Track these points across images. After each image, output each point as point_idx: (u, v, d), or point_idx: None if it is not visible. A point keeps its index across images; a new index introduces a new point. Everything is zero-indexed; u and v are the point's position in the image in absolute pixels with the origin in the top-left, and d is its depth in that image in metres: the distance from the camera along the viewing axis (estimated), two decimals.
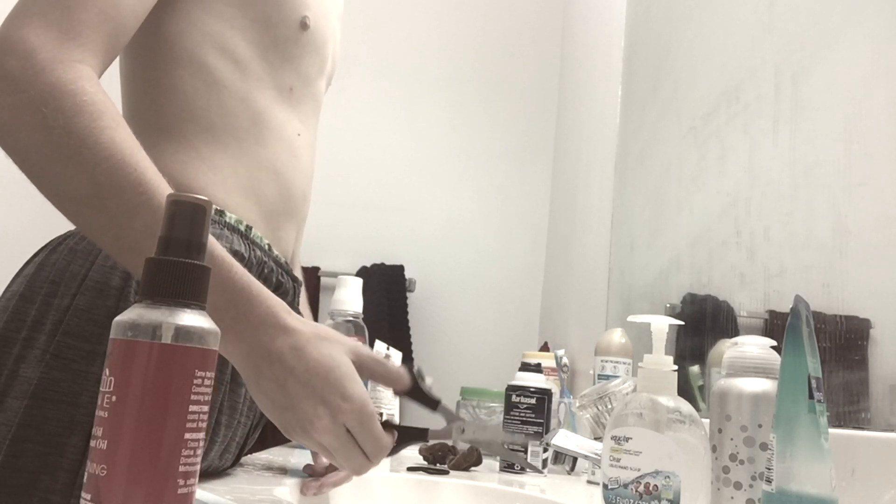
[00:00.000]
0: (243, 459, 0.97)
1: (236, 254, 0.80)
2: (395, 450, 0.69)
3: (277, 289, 0.88)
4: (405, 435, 0.70)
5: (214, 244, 0.64)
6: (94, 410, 0.70)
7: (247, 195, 0.84)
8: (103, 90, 0.64)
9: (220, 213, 0.80)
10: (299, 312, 0.97)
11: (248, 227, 0.83)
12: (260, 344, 0.64)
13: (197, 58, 0.81)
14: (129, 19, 0.69)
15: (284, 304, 0.67)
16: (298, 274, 1.06)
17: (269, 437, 2.28)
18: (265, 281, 0.86)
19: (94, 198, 0.61)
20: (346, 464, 0.68)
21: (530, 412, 1.14)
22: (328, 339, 0.67)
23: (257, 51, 0.85)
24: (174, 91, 0.81)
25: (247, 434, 0.90)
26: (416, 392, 0.72)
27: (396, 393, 0.72)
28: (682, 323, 0.76)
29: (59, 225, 0.82)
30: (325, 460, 0.89)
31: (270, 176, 0.87)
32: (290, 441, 1.25)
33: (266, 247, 0.86)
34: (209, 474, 0.82)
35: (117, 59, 0.83)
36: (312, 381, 0.65)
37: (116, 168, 0.61)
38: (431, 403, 0.72)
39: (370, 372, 0.70)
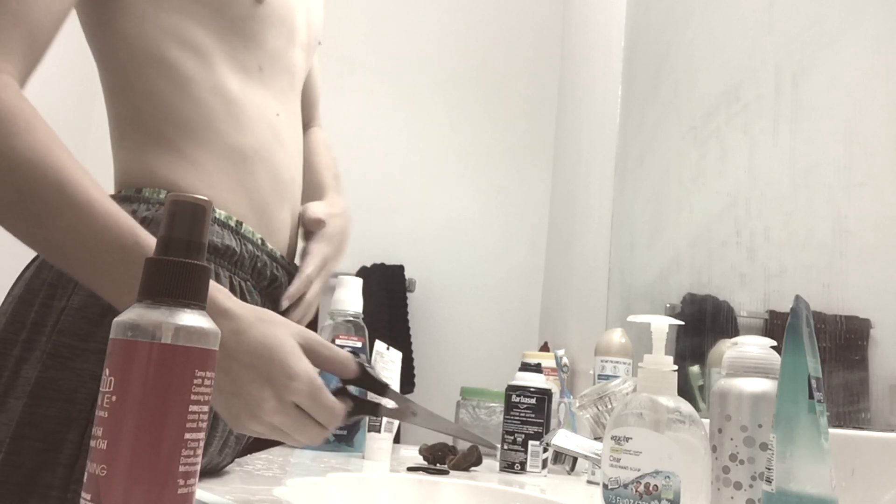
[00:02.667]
0: (242, 459, 0.97)
1: (227, 249, 0.80)
2: (347, 417, 0.70)
3: (272, 282, 0.88)
4: (359, 407, 0.71)
5: (144, 232, 0.64)
6: (90, 406, 0.72)
7: (234, 190, 0.84)
8: (20, 95, 0.64)
9: None
10: (297, 306, 0.97)
11: (239, 223, 0.84)
12: None
13: (159, 55, 0.81)
14: (46, 19, 0.69)
15: (225, 289, 0.67)
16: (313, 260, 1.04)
17: None
18: (259, 275, 0.86)
19: (16, 202, 0.62)
20: (301, 438, 0.68)
21: (530, 412, 1.14)
22: (271, 321, 0.67)
23: (216, 36, 0.84)
24: (146, 93, 0.81)
25: None
26: (364, 378, 0.72)
27: (343, 381, 0.72)
28: (682, 323, 0.76)
29: None
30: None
31: (256, 164, 0.86)
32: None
33: (259, 241, 0.86)
34: (210, 471, 0.83)
35: (96, 68, 0.85)
36: (256, 363, 0.64)
37: (34, 170, 0.62)
38: (380, 388, 0.73)
39: (316, 356, 0.70)
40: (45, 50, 0.70)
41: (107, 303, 0.72)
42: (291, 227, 0.95)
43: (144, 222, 0.76)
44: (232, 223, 0.82)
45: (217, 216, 0.81)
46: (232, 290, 0.82)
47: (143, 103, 0.82)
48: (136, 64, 0.81)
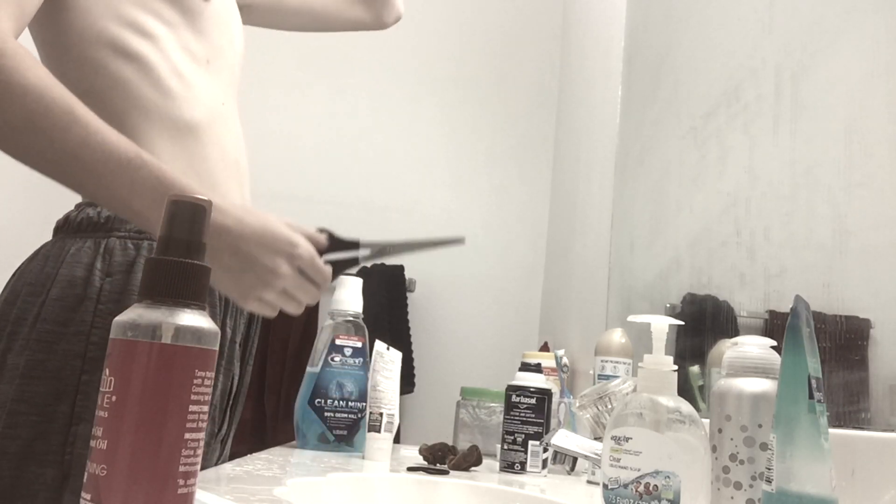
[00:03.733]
0: (242, 459, 0.97)
1: None
2: (333, 276, 0.85)
3: None
4: (339, 266, 0.86)
5: (142, 150, 0.76)
6: (75, 381, 0.81)
7: (187, 173, 0.93)
8: (21, 45, 0.75)
9: None
10: None
11: None
12: None
13: (123, 46, 0.90)
14: None
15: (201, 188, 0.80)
16: None
17: (270, 437, 2.27)
18: None
19: (28, 121, 0.72)
20: (304, 298, 0.83)
21: (530, 412, 1.14)
22: (255, 210, 0.81)
23: (170, 28, 0.93)
24: (112, 86, 0.90)
25: (227, 402, 0.99)
26: (335, 243, 0.85)
27: (321, 250, 0.85)
28: (682, 323, 0.76)
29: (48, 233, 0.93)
30: None
31: (205, 142, 0.95)
32: (290, 441, 1.25)
33: None
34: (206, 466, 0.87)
35: None
36: (263, 239, 0.78)
37: (44, 94, 0.73)
38: (352, 245, 0.86)
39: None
40: (29, 19, 0.80)
41: (81, 291, 0.83)
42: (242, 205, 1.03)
43: (108, 221, 0.87)
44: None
45: None
46: None
47: (109, 95, 0.90)
48: (101, 58, 0.89)
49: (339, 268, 0.85)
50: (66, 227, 0.90)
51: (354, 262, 0.87)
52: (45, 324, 0.83)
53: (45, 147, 0.73)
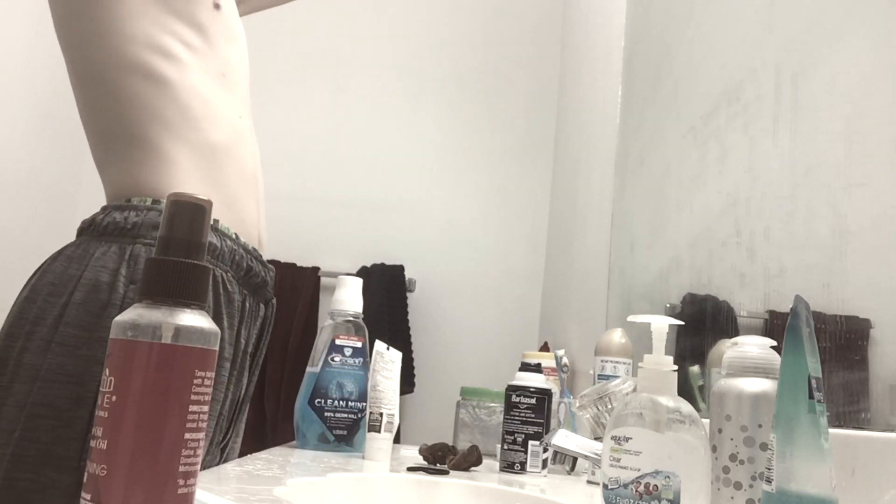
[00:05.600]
0: (243, 459, 0.97)
1: (210, 244, 0.90)
2: None
3: (248, 272, 0.98)
4: None
5: None
6: (95, 387, 0.80)
7: (211, 186, 0.94)
8: None
9: None
10: (273, 295, 1.08)
11: (216, 220, 0.94)
12: None
13: (143, 64, 0.92)
14: None
15: None
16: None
17: (270, 437, 2.27)
18: (237, 267, 0.96)
19: None
20: None
21: (530, 412, 1.14)
22: None
23: (184, 45, 0.95)
24: (134, 99, 0.92)
25: (233, 410, 0.99)
26: None
27: None
28: (682, 323, 0.76)
29: (53, 235, 0.89)
30: None
31: (225, 158, 0.97)
32: (290, 442, 1.25)
33: (234, 236, 0.97)
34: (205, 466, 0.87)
35: (72, 94, 0.96)
36: None
37: None
38: None
39: None
40: None
41: (105, 297, 0.84)
42: (257, 219, 1.05)
43: (135, 227, 0.87)
44: (210, 222, 0.88)
45: None
46: (214, 281, 0.92)
47: (130, 109, 0.92)
48: (121, 74, 0.92)
49: None
50: (92, 230, 0.89)
51: None
52: (67, 327, 0.82)
53: None
